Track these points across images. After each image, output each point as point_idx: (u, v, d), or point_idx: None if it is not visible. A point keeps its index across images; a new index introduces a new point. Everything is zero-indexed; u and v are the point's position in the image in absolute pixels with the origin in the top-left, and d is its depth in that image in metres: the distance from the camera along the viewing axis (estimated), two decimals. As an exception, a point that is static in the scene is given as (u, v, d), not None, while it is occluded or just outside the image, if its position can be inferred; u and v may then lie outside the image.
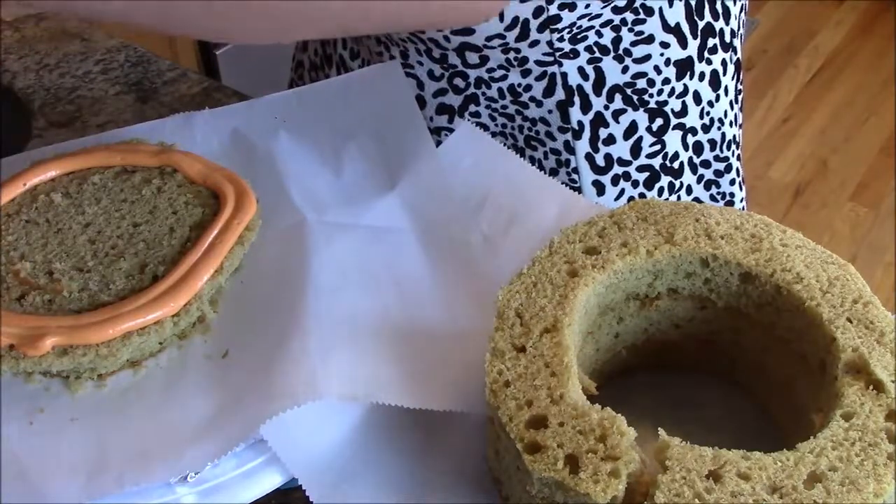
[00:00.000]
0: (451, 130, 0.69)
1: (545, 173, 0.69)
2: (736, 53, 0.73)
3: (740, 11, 0.72)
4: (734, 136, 0.75)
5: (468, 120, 0.69)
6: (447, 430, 0.49)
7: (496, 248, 0.57)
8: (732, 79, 0.73)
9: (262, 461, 0.46)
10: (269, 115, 0.64)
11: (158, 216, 0.56)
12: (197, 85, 0.78)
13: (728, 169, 0.75)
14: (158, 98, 0.76)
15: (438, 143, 0.63)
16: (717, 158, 0.74)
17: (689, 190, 0.74)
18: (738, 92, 0.75)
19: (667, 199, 0.72)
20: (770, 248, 0.49)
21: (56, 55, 0.81)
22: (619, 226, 0.51)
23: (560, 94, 0.66)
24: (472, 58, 0.65)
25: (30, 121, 0.74)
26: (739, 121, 0.77)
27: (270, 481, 0.46)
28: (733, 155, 0.76)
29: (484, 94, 0.68)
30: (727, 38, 0.71)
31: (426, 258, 0.57)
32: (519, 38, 0.62)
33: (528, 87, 0.67)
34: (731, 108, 0.74)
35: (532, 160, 0.70)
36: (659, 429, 0.42)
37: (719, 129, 0.73)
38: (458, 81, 0.68)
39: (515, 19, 0.60)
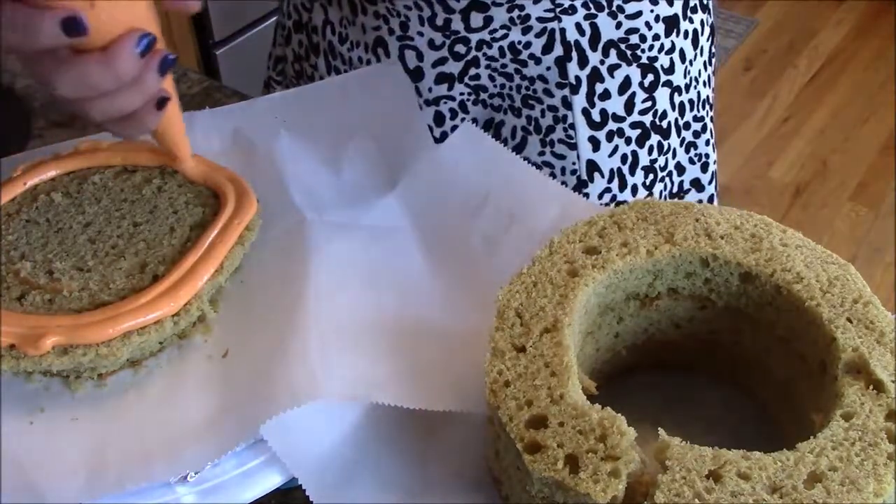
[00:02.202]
0: (451, 98, 0.71)
1: (542, 131, 0.73)
2: (711, 16, 0.78)
3: None
4: (707, 97, 0.79)
5: (467, 84, 0.71)
6: (447, 430, 0.49)
7: (496, 248, 0.57)
8: (707, 40, 0.78)
9: (262, 461, 0.46)
10: (269, 115, 0.64)
11: (159, 216, 0.56)
12: (197, 85, 0.78)
13: (704, 129, 0.79)
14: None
15: (437, 115, 0.64)
16: (695, 119, 0.78)
17: (675, 153, 0.77)
18: (711, 54, 0.79)
19: (655, 159, 0.75)
20: (770, 248, 0.49)
21: (56, 55, 0.81)
22: (619, 225, 0.51)
23: (559, 49, 0.69)
24: (477, 20, 0.67)
25: (30, 121, 0.74)
26: (713, 83, 0.81)
27: (270, 481, 0.46)
28: (707, 115, 0.79)
29: (485, 54, 0.70)
30: (705, 0, 0.76)
31: (426, 258, 0.57)
32: None
33: (528, 45, 0.69)
34: (706, 68, 0.78)
35: (529, 119, 0.72)
36: (659, 429, 0.42)
37: (695, 88, 0.76)
38: (460, 48, 0.69)
39: None
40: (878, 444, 0.41)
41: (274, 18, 1.81)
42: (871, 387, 0.43)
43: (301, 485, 0.45)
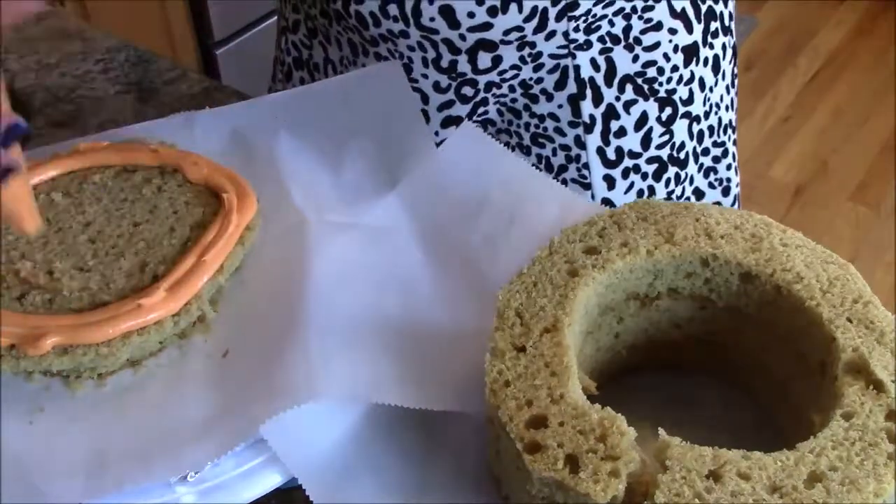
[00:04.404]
0: None
1: (553, 170, 0.69)
2: (733, 37, 0.74)
3: None
4: (730, 121, 0.76)
5: (475, 120, 0.69)
6: (447, 430, 0.49)
7: (496, 248, 0.57)
8: (730, 63, 0.74)
9: (262, 461, 0.46)
10: (269, 115, 0.64)
11: (159, 216, 0.56)
12: (197, 85, 0.78)
13: (725, 154, 0.76)
14: (158, 98, 0.76)
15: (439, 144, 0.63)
16: (715, 144, 0.74)
17: (692, 180, 0.74)
18: (734, 76, 0.76)
19: (672, 190, 0.72)
20: (770, 248, 0.49)
21: (56, 55, 0.81)
22: (619, 225, 0.51)
23: (572, 87, 0.66)
24: (484, 60, 0.64)
25: (30, 121, 0.74)
26: (735, 105, 0.77)
27: (270, 481, 0.46)
28: (729, 139, 0.76)
29: (494, 94, 0.67)
30: (726, 22, 0.72)
31: (426, 258, 0.57)
32: (537, 30, 0.62)
33: (540, 80, 0.66)
34: (728, 91, 0.75)
35: (539, 158, 0.70)
36: (659, 429, 0.42)
37: (716, 113, 0.74)
38: (467, 90, 0.67)
39: (534, 9, 0.60)
40: (878, 444, 0.41)
41: (274, 19, 1.82)
42: (871, 387, 0.43)
43: (301, 485, 0.45)
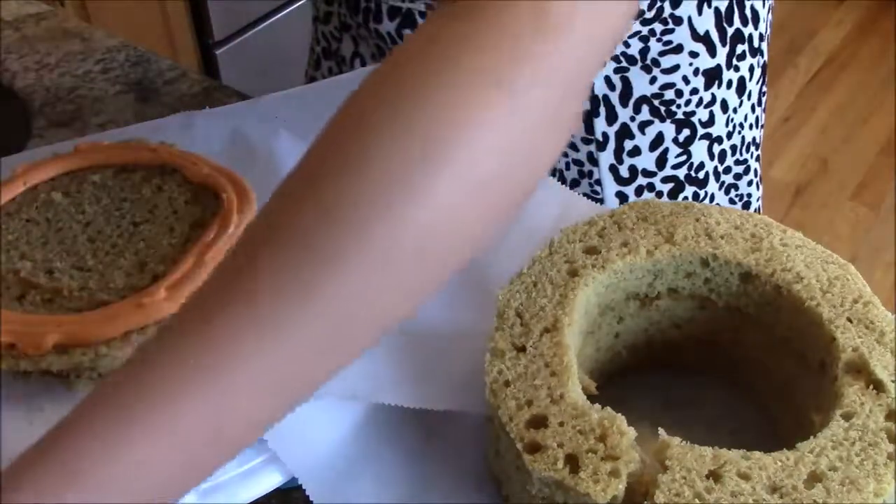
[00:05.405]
0: None
1: (566, 185, 0.68)
2: (763, 57, 0.72)
3: (768, 13, 0.71)
4: (754, 139, 0.74)
5: None
6: (447, 430, 0.48)
7: (496, 248, 0.57)
8: (757, 83, 0.72)
9: (262, 461, 0.46)
10: (269, 115, 0.64)
11: (158, 215, 0.56)
12: (197, 85, 0.78)
13: (747, 171, 0.74)
14: (158, 98, 0.76)
15: None
16: (737, 162, 0.73)
17: (712, 198, 0.72)
18: (761, 94, 0.74)
19: None
20: (770, 248, 0.49)
21: (56, 55, 0.81)
22: (619, 225, 0.51)
23: (585, 103, 0.65)
24: None
25: (30, 121, 0.74)
26: (761, 122, 0.75)
27: (270, 481, 0.46)
28: (752, 157, 0.75)
29: None
30: (755, 43, 0.70)
31: (426, 258, 0.57)
32: None
33: None
34: (753, 111, 0.73)
35: (553, 172, 0.69)
36: (659, 429, 0.42)
37: (740, 132, 0.72)
38: None
39: None
40: (878, 444, 0.41)
41: (275, 18, 1.82)
42: (871, 387, 0.43)
43: (301, 484, 0.45)
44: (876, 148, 2.19)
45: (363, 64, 0.72)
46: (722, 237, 0.50)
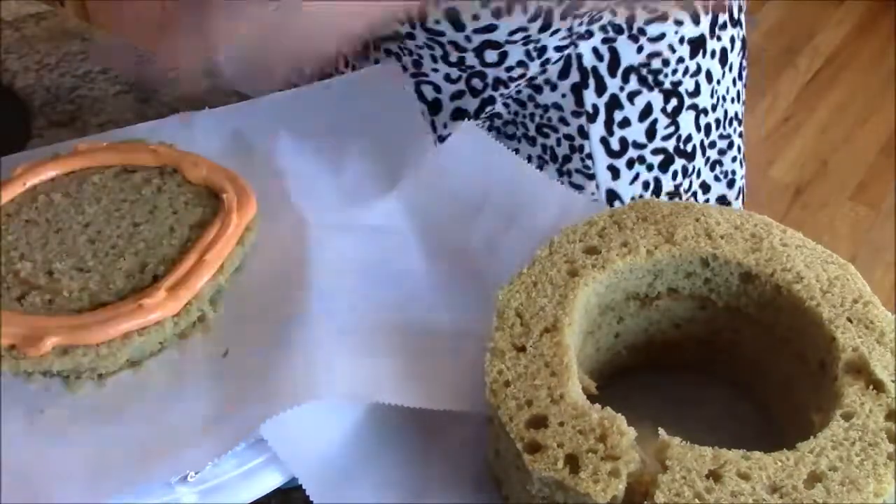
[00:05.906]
0: None
1: (558, 160, 0.70)
2: (742, 29, 0.74)
3: None
4: (736, 113, 0.76)
5: (483, 114, 0.69)
6: (447, 430, 0.49)
7: (496, 248, 0.57)
8: (738, 55, 0.74)
9: (262, 461, 0.46)
10: (269, 115, 0.64)
11: (158, 216, 0.56)
12: (197, 85, 0.78)
13: (730, 146, 0.76)
14: (158, 98, 0.76)
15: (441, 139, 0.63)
16: (721, 137, 0.74)
17: (699, 173, 0.74)
18: (742, 68, 0.76)
19: (679, 183, 0.72)
20: (770, 248, 0.49)
21: (56, 55, 0.81)
22: (619, 225, 0.51)
23: (575, 76, 0.66)
24: (491, 56, 0.65)
25: (30, 121, 0.74)
26: (742, 97, 0.77)
27: (270, 481, 0.46)
28: (735, 132, 0.76)
29: (501, 92, 0.68)
30: (735, 14, 0.72)
31: (426, 258, 0.57)
32: (542, 29, 0.62)
33: (544, 70, 0.67)
34: (734, 84, 0.74)
35: (544, 148, 0.70)
36: (659, 429, 0.42)
37: (723, 105, 0.73)
38: (476, 82, 0.67)
39: (539, 9, 0.60)
40: (878, 444, 0.41)
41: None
42: (871, 387, 0.43)
43: (301, 485, 0.45)
44: (876, 148, 2.19)
45: (346, 64, 0.73)
46: (722, 237, 0.50)
